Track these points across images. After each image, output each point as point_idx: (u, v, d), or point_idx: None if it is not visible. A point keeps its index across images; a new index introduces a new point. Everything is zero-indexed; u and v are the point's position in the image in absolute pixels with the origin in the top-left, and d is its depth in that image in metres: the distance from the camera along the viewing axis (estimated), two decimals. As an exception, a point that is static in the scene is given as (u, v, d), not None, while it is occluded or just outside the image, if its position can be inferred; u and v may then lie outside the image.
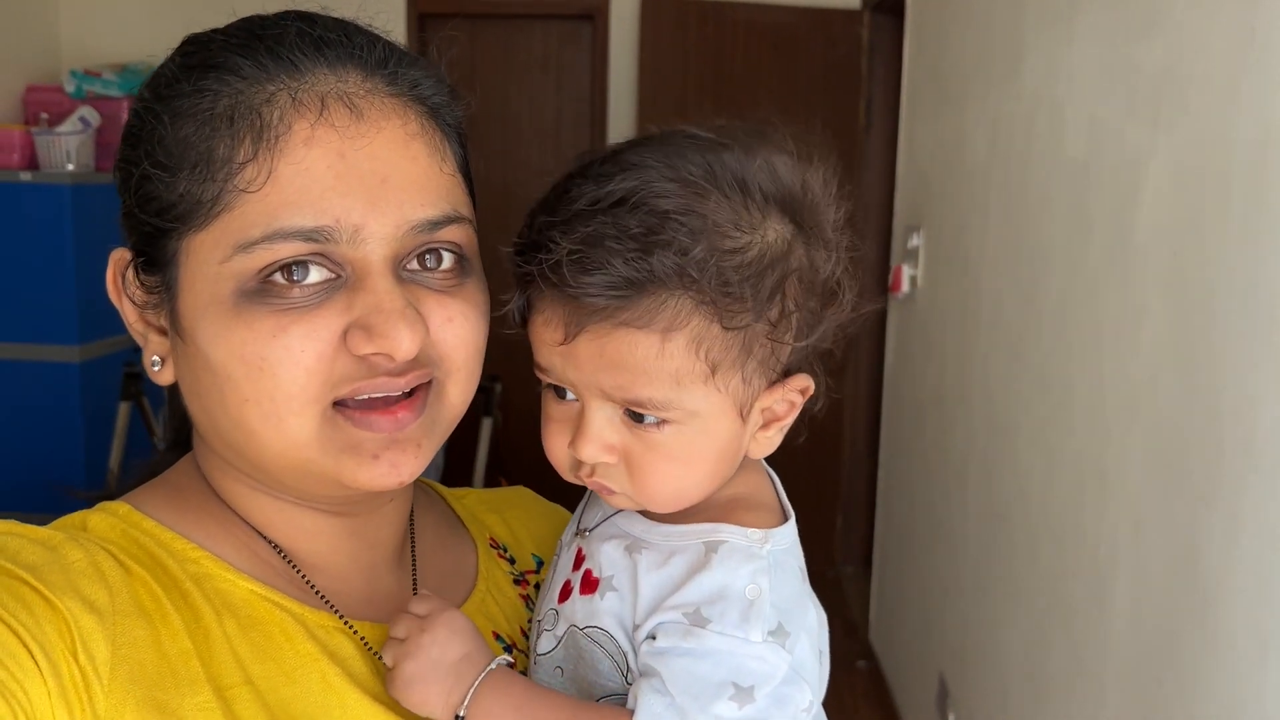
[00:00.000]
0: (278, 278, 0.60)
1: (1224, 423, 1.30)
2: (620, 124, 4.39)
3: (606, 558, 0.67)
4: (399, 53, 0.65)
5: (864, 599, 3.79)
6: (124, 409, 3.31)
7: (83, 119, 3.65)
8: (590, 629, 0.66)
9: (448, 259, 0.65)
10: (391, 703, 0.65)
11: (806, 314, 0.66)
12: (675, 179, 0.62)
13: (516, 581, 0.81)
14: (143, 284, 0.65)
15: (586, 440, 0.65)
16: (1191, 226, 1.41)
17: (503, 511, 0.86)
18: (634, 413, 0.64)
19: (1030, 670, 2.02)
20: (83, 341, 3.51)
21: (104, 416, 3.38)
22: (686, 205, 0.62)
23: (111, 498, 0.68)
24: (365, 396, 0.62)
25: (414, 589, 0.74)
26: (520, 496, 0.89)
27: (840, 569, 4.33)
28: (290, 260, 0.59)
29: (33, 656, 0.55)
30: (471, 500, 0.86)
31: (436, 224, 0.63)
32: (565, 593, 0.69)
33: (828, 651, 0.68)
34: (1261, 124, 1.23)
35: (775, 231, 0.64)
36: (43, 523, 0.63)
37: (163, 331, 0.66)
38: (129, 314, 0.67)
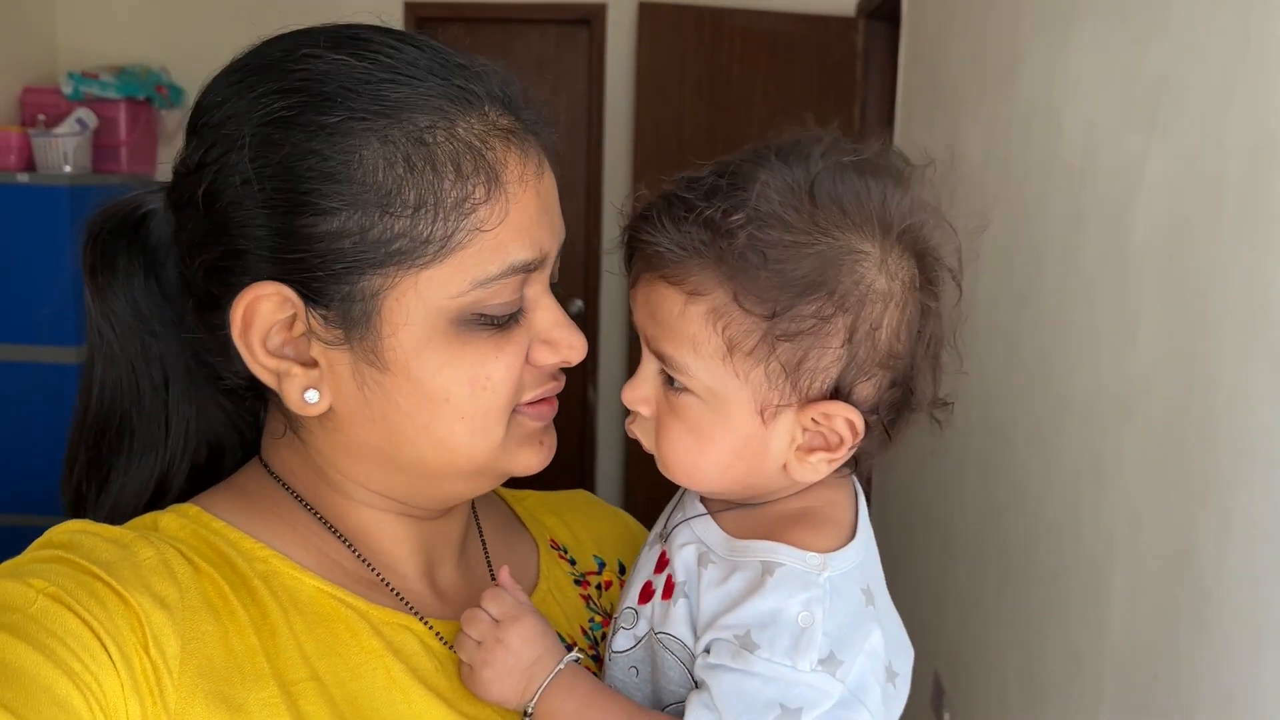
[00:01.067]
0: None
1: (1219, 422, 1.32)
2: (617, 128, 4.41)
3: (682, 563, 0.68)
4: (516, 85, 0.69)
5: (858, 601, 3.80)
6: (122, 410, 3.30)
7: (80, 120, 3.65)
8: (663, 635, 0.67)
9: None
10: (454, 699, 0.66)
11: (858, 337, 0.64)
12: (771, 170, 0.64)
13: (577, 582, 0.82)
14: (324, 318, 0.64)
15: (629, 386, 0.69)
16: (1187, 230, 1.43)
17: (563, 514, 0.87)
18: (668, 374, 0.67)
19: (1026, 668, 2.03)
20: (81, 343, 3.50)
21: (102, 418, 3.37)
22: (759, 192, 0.63)
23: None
24: (540, 399, 0.70)
25: (491, 577, 0.77)
26: (580, 499, 0.91)
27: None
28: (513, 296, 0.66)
29: (106, 650, 0.56)
30: (532, 502, 0.88)
31: (562, 244, 0.70)
32: (646, 594, 0.70)
33: (907, 674, 0.67)
34: (1256, 129, 1.25)
35: (842, 242, 0.64)
36: (41, 525, 0.65)
37: (306, 363, 0.65)
38: (257, 352, 0.65)
